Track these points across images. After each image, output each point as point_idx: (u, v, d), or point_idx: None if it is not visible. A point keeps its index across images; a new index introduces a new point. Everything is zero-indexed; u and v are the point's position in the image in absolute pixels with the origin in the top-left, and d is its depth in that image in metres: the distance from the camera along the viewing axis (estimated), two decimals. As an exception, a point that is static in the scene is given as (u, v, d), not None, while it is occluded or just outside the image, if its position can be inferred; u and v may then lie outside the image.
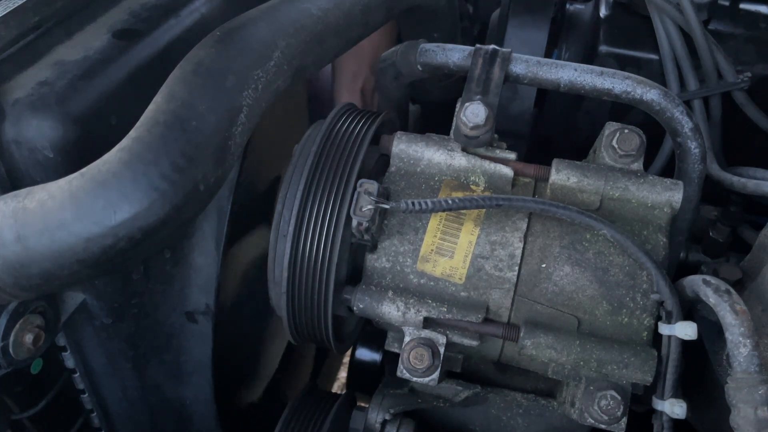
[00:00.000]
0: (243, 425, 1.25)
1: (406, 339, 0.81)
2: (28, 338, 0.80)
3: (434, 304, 0.81)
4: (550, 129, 1.42)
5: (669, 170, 1.01)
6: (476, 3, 1.58)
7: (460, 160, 0.86)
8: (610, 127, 0.86)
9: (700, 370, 0.85)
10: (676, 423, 0.81)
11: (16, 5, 0.78)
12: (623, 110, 1.07)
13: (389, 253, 0.83)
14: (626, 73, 0.87)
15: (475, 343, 0.82)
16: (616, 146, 0.85)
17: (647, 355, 0.78)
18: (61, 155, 0.75)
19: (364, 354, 1.21)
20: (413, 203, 0.78)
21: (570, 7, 1.42)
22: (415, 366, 0.79)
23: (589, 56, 1.33)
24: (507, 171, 0.86)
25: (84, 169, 0.64)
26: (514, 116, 1.32)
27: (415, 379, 0.80)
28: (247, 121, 0.72)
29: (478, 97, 0.85)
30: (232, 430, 1.14)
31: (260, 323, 1.27)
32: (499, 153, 0.88)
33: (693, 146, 0.86)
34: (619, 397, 0.77)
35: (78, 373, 0.94)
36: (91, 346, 0.95)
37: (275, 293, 0.85)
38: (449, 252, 0.82)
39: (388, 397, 0.91)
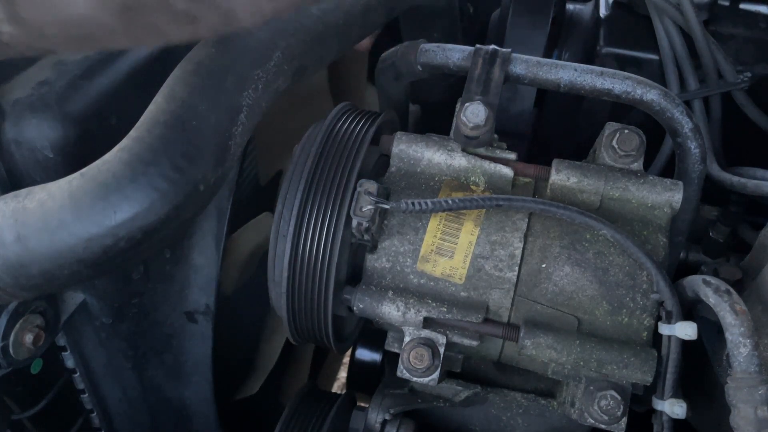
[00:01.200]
0: (243, 425, 1.25)
1: (406, 339, 0.81)
2: (28, 338, 0.80)
3: (434, 304, 0.81)
4: (550, 129, 1.42)
5: (669, 170, 1.01)
6: (476, 3, 1.58)
7: (460, 160, 0.86)
8: (610, 127, 0.86)
9: (700, 370, 0.85)
10: (676, 423, 0.81)
11: (16, 5, 0.78)
12: (623, 110, 1.07)
13: (389, 253, 0.83)
14: (626, 73, 0.87)
15: (475, 343, 0.82)
16: (616, 146, 0.85)
17: (647, 355, 0.78)
18: (61, 155, 0.75)
19: (364, 354, 1.21)
20: (413, 203, 0.78)
21: (570, 7, 1.42)
22: (415, 366, 0.79)
23: (589, 56, 1.33)
24: (507, 171, 0.86)
25: (84, 170, 0.64)
26: (514, 116, 1.32)
27: (415, 379, 0.80)
28: (248, 121, 0.72)
29: (478, 97, 0.85)
30: (232, 430, 1.14)
31: (259, 315, 1.27)
32: (499, 153, 0.88)
33: (693, 146, 0.86)
34: (619, 397, 0.77)
35: (78, 373, 0.94)
36: (91, 346, 0.95)
37: (275, 293, 0.85)
38: (449, 252, 0.82)
39: (388, 397, 0.91)
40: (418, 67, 0.95)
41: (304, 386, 1.06)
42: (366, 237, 0.80)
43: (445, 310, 0.80)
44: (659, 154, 1.25)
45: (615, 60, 1.30)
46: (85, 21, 0.43)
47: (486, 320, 0.81)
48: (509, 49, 0.89)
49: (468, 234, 0.82)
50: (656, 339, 0.80)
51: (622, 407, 0.77)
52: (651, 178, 0.84)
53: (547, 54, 1.32)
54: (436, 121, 1.01)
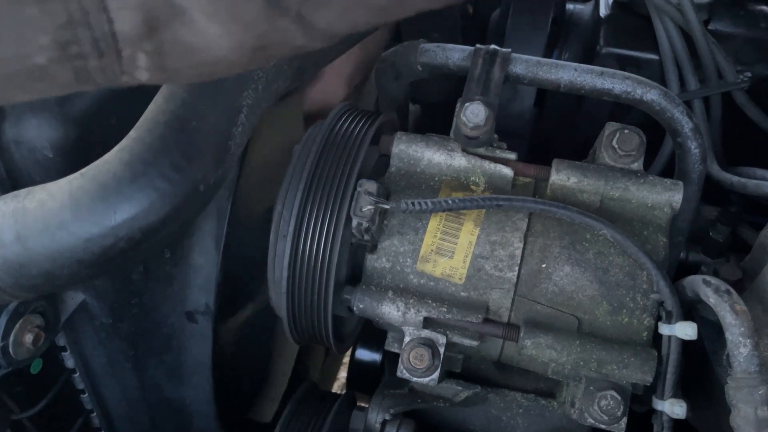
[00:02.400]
0: (244, 425, 1.25)
1: (406, 339, 0.81)
2: (28, 338, 0.80)
3: (434, 304, 0.81)
4: (550, 129, 1.42)
5: (669, 170, 1.01)
6: (476, 3, 1.58)
7: (460, 160, 0.86)
8: (610, 127, 0.86)
9: (700, 370, 0.85)
10: (676, 423, 0.81)
11: (16, 5, 0.78)
12: (623, 110, 1.07)
13: (389, 253, 0.83)
14: (626, 73, 0.87)
15: (475, 343, 0.82)
16: (616, 146, 0.85)
17: (647, 355, 0.78)
18: (60, 155, 0.75)
19: (364, 354, 1.21)
20: (413, 203, 0.78)
21: (570, 7, 1.42)
22: (415, 366, 0.79)
23: (589, 56, 1.33)
24: (507, 171, 0.86)
25: (84, 170, 0.64)
26: (514, 116, 1.32)
27: (415, 379, 0.80)
28: (247, 121, 0.72)
29: (478, 97, 0.84)
30: (232, 429, 1.14)
31: (266, 345, 1.26)
32: (499, 153, 0.88)
33: (693, 146, 0.86)
34: (619, 397, 0.77)
35: (78, 373, 0.94)
36: (91, 346, 0.95)
37: (275, 293, 0.85)
38: (449, 252, 0.82)
39: (388, 397, 0.91)
40: (418, 67, 0.95)
41: (304, 386, 1.06)
42: (366, 237, 0.80)
43: (445, 310, 0.80)
44: (659, 154, 1.25)
45: (615, 60, 1.30)
46: (219, 62, 0.46)
47: (486, 320, 0.81)
48: (509, 49, 0.89)
49: (468, 234, 0.82)
50: (656, 339, 0.80)
51: (622, 407, 0.77)
52: (651, 178, 0.84)
53: (547, 54, 1.32)
54: (436, 121, 1.01)
